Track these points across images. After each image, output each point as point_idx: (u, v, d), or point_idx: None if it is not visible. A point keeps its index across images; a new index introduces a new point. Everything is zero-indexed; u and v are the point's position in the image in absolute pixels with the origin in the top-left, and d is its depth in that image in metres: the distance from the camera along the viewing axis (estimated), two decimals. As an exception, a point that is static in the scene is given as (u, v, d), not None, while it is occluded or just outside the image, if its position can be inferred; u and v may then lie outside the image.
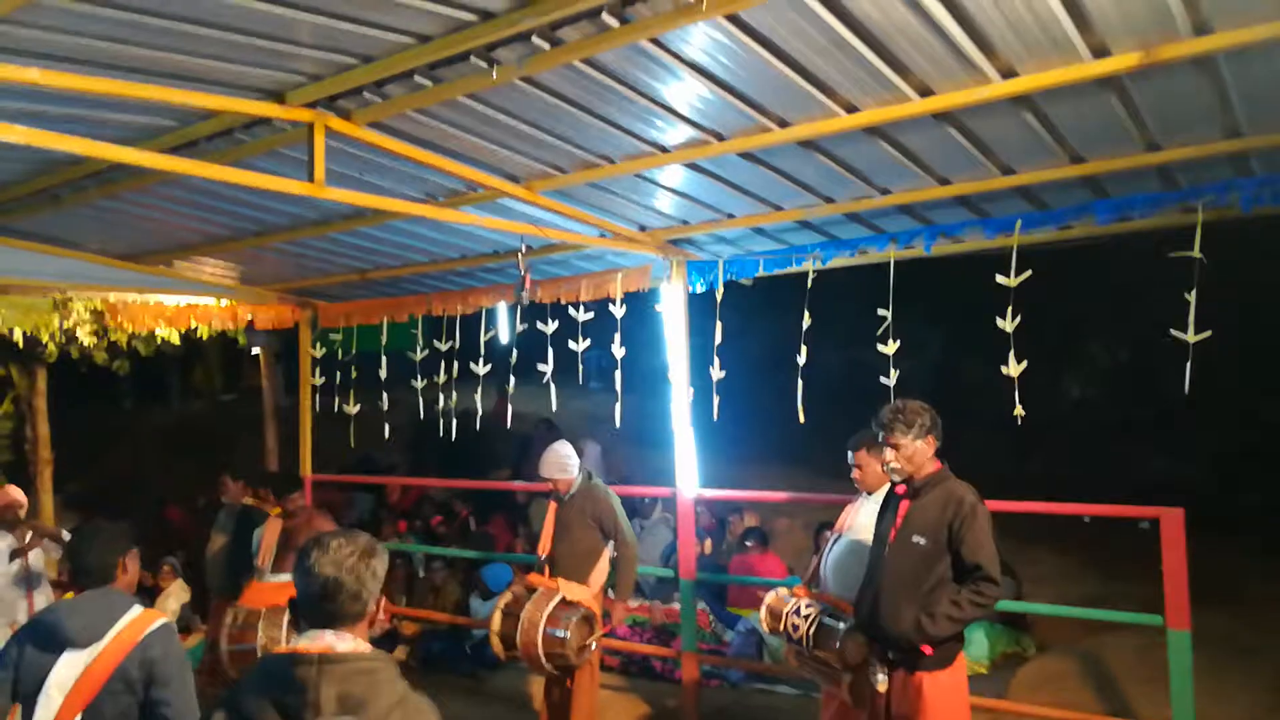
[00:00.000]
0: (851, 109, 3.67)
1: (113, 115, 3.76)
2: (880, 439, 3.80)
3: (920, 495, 3.73)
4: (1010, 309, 4.39)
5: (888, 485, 4.39)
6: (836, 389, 5.27)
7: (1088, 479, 8.11)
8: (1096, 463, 10.19)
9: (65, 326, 7.38)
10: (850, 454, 4.42)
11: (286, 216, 5.50)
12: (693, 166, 4.41)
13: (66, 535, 6.08)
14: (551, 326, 5.87)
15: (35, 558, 6.02)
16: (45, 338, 7.72)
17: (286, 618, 5.32)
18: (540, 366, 5.89)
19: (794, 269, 5.47)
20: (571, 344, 5.75)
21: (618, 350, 5.74)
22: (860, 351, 11.40)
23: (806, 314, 5.04)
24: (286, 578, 5.95)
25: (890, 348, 4.80)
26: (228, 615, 5.66)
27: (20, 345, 7.89)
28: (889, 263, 4.99)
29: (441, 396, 6.67)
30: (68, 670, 2.88)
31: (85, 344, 7.92)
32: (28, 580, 5.92)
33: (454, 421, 6.67)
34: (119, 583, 3.16)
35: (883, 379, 4.78)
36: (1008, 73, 3.31)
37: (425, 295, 7.08)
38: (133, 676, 2.95)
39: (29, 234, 5.91)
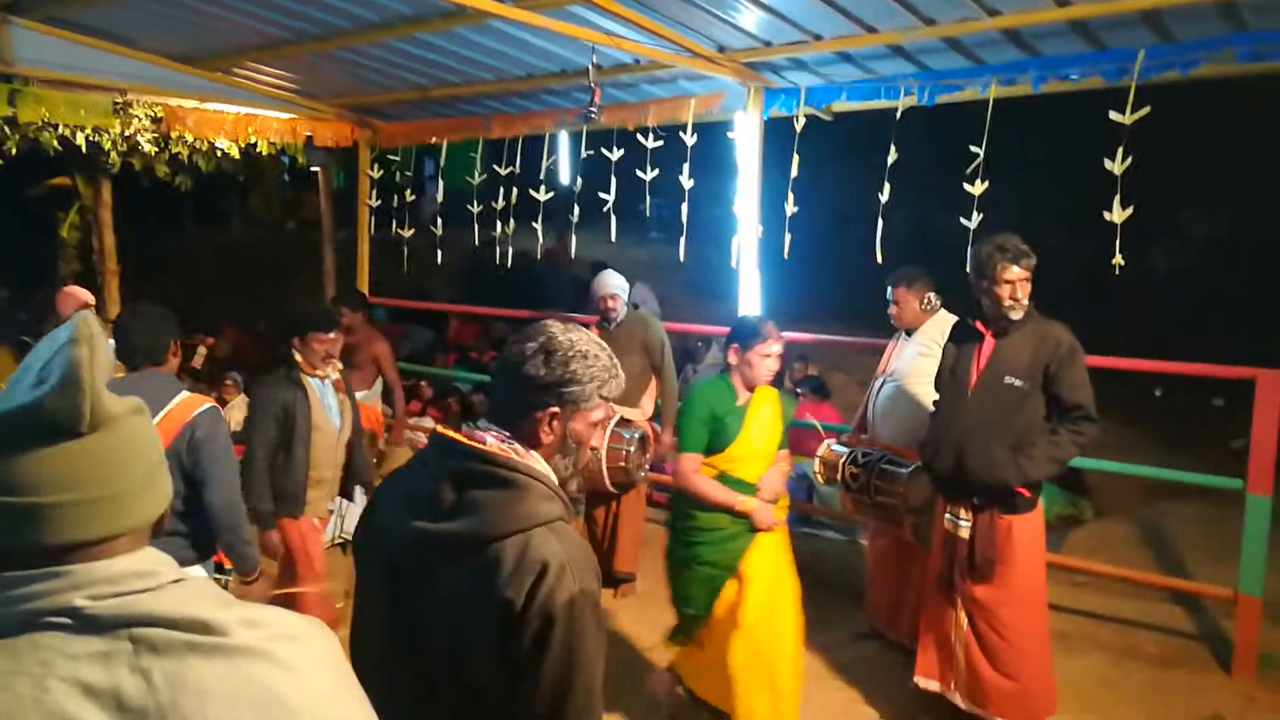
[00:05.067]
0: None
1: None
2: (1021, 265, 3.48)
3: (1008, 333, 3.54)
4: (1121, 150, 4.02)
5: (937, 325, 4.26)
6: (898, 250, 4.97)
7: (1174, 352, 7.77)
8: (1186, 335, 9.71)
9: (126, 133, 7.27)
10: (890, 289, 4.51)
11: (346, 17, 5.24)
12: (784, -27, 4.04)
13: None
14: (617, 154, 5.61)
15: None
16: (107, 144, 7.64)
17: None
18: (602, 195, 5.67)
19: (879, 103, 5.11)
20: (639, 173, 5.50)
21: (686, 181, 5.48)
22: (926, 210, 10.93)
23: (893, 149, 4.71)
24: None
25: (978, 188, 4.50)
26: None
27: (84, 150, 7.84)
28: (976, 102, 4.65)
29: (499, 224, 6.49)
30: None
31: (147, 152, 7.83)
32: None
33: (510, 252, 6.53)
34: (168, 366, 3.15)
35: (963, 220, 4.50)
36: None
37: (484, 116, 6.81)
38: (183, 455, 2.98)
39: (87, 28, 5.74)
